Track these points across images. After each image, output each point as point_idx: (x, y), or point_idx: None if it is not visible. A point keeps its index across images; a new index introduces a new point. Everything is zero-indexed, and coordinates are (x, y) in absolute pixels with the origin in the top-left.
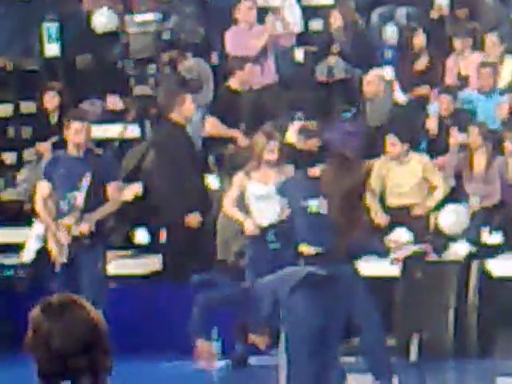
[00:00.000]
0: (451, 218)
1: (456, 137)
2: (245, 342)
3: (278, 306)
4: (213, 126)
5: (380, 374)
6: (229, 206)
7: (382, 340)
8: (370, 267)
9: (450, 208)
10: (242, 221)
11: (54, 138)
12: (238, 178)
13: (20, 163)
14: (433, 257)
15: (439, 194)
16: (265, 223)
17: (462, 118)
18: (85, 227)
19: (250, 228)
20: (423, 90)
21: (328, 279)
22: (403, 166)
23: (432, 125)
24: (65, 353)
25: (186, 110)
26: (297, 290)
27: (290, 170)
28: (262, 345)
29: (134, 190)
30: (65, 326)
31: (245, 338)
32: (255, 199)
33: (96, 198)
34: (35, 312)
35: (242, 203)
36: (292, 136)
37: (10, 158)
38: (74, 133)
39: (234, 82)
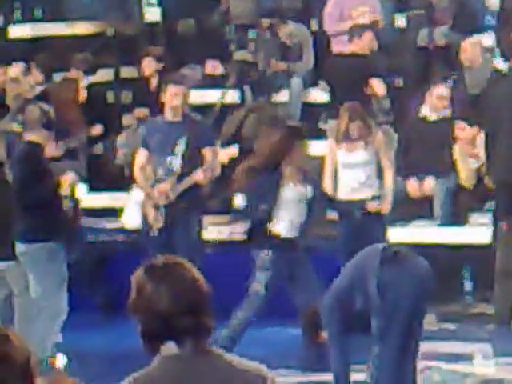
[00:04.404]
0: None
1: None
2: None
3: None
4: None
5: None
6: (325, 179)
7: None
8: (474, 234)
9: None
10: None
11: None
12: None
13: (120, 128)
14: None
15: None
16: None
17: None
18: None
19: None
20: None
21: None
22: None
23: None
24: (169, 313)
25: None
26: (386, 262)
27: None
28: None
29: (229, 152)
30: (169, 287)
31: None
32: (342, 167)
33: (192, 162)
34: (139, 274)
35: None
36: None
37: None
38: (171, 96)
39: (351, 49)
